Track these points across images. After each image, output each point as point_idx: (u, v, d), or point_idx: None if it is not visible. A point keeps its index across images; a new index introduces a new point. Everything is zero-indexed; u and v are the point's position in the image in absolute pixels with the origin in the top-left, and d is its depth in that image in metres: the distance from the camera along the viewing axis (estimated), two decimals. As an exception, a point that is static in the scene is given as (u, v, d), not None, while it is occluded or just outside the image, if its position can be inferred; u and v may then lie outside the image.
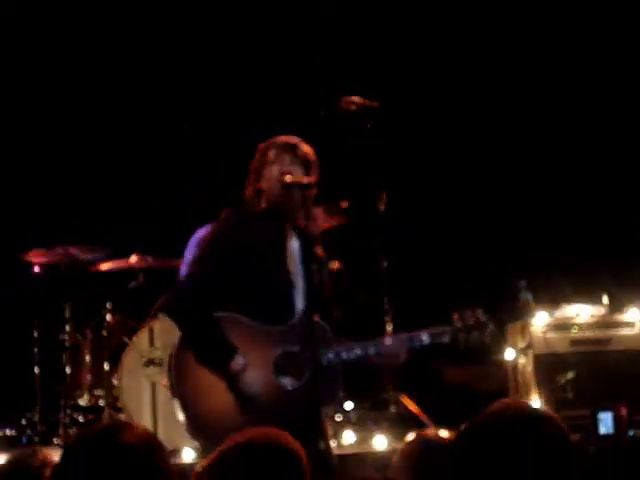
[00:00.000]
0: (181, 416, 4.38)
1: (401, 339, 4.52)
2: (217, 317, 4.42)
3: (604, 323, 6.96)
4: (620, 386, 6.57)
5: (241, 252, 4.52)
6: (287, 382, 4.41)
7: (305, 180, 4.51)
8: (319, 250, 4.75)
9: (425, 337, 4.52)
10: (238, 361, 4.35)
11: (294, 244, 4.68)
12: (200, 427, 4.38)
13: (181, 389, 4.38)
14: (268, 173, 4.62)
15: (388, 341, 4.54)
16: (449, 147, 8.44)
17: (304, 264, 4.61)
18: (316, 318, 4.45)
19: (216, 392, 4.36)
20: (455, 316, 4.55)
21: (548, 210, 8.36)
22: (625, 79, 8.37)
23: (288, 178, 4.53)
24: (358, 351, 4.50)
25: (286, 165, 4.60)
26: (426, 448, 3.02)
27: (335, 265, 7.05)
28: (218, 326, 4.39)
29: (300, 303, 4.58)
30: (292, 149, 4.64)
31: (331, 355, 4.45)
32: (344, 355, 4.48)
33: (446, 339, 4.53)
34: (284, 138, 4.71)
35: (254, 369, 4.39)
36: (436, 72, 8.45)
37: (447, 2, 8.53)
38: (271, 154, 4.65)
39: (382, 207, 6.94)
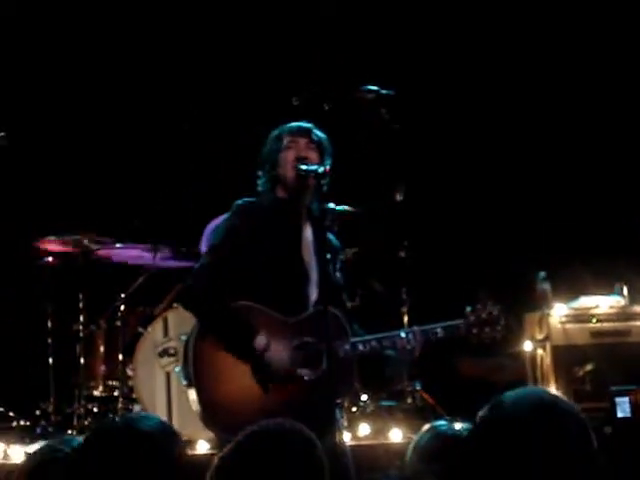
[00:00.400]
0: (196, 405, 4.35)
1: (416, 333, 4.48)
2: (234, 306, 4.38)
3: (624, 314, 6.89)
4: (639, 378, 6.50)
5: (255, 241, 4.48)
6: (305, 372, 4.37)
7: (320, 169, 4.45)
8: (334, 239, 4.71)
9: (439, 330, 4.51)
10: (260, 340, 4.32)
11: (309, 233, 4.63)
12: (216, 415, 4.35)
13: (197, 377, 4.35)
14: (284, 159, 4.57)
15: (404, 334, 4.49)
16: (470, 136, 8.37)
17: (318, 254, 4.56)
18: (332, 309, 4.41)
19: (233, 380, 4.34)
20: (468, 310, 4.51)
21: (568, 201, 8.29)
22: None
23: (303, 167, 4.49)
24: (374, 343, 4.46)
25: (302, 150, 4.55)
26: (440, 439, 2.97)
27: (350, 254, 7.04)
28: (235, 312, 4.36)
29: (314, 293, 4.54)
30: (307, 133, 4.59)
31: (347, 347, 4.42)
32: (360, 347, 4.45)
33: (460, 333, 4.51)
34: (298, 123, 4.66)
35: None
36: (453, 61, 8.38)
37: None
38: (286, 139, 4.59)
39: (400, 197, 6.90)
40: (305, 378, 4.36)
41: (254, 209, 4.61)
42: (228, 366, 4.35)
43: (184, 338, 4.63)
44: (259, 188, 4.69)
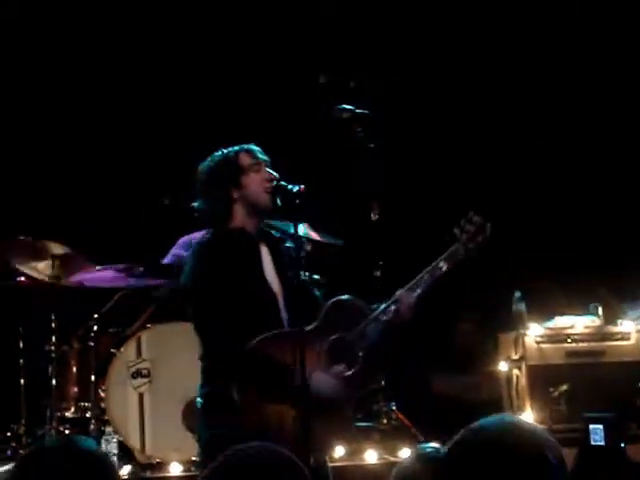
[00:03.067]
0: None
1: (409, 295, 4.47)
2: (254, 347, 4.20)
3: (599, 335, 6.92)
4: (615, 398, 6.51)
5: (231, 277, 4.37)
6: (343, 369, 4.31)
7: (295, 188, 4.40)
8: (288, 250, 4.60)
9: (442, 264, 4.52)
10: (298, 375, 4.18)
11: (265, 252, 4.55)
12: None
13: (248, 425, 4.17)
14: (247, 179, 4.49)
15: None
16: (444, 155, 8.39)
17: (278, 270, 4.51)
18: (350, 298, 4.42)
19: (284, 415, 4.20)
20: (456, 231, 4.57)
21: (543, 221, 8.31)
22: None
23: (281, 184, 4.45)
24: (392, 308, 4.43)
25: (266, 170, 4.51)
26: (425, 462, 2.94)
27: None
28: (263, 354, 4.20)
29: (284, 311, 4.46)
30: (264, 155, 4.55)
31: (373, 321, 4.38)
32: (383, 317, 4.40)
33: (460, 256, 4.54)
34: (249, 146, 4.58)
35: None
36: (431, 77, 8.40)
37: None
38: (247, 160, 4.51)
39: (375, 216, 6.90)
40: (348, 373, 4.29)
41: (219, 246, 4.44)
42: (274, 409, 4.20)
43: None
44: (211, 212, 4.52)
